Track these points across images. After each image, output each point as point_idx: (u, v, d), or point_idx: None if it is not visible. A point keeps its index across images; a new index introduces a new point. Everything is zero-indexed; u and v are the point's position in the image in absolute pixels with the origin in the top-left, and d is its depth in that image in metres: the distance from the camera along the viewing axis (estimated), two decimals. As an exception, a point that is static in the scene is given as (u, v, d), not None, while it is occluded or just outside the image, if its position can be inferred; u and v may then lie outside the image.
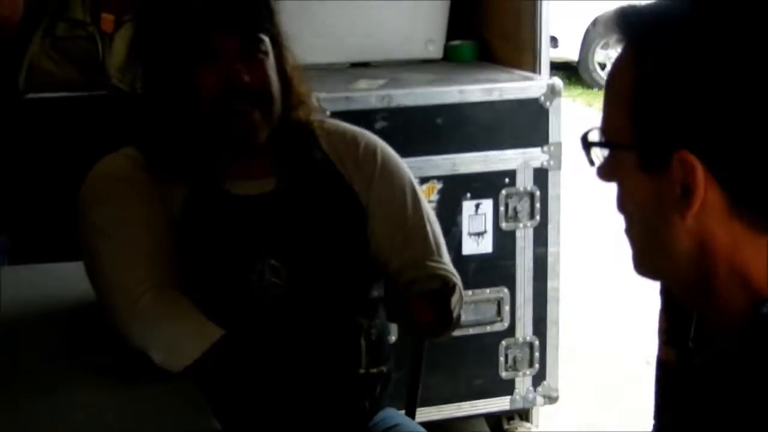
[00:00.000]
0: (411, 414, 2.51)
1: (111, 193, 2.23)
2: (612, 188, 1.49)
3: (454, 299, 2.25)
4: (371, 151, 2.38)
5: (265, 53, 2.22)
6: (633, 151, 1.38)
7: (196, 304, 2.15)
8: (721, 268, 1.37)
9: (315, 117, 2.38)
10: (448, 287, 2.25)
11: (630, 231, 1.47)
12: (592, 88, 11.51)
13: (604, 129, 1.43)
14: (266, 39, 2.23)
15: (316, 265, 2.26)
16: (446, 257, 2.40)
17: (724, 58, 1.30)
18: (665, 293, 2.91)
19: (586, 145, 1.46)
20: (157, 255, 2.17)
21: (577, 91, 11.37)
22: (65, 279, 2.53)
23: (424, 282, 2.28)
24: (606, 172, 1.46)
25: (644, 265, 1.48)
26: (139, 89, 3.41)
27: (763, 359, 1.33)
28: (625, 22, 1.41)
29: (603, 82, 11.60)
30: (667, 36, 1.35)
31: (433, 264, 2.35)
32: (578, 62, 11.61)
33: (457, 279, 2.36)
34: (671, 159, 1.34)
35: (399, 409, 2.49)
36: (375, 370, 2.34)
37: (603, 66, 12.03)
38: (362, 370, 2.31)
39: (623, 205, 1.45)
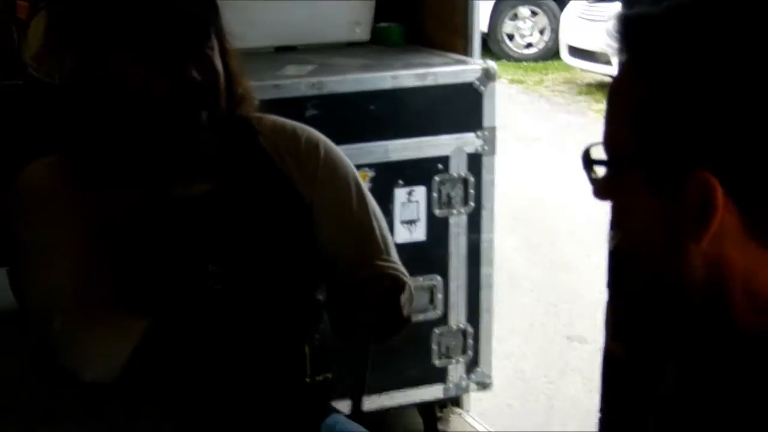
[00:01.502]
0: (357, 418, 2.44)
1: (34, 207, 2.13)
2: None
3: (404, 299, 2.17)
4: (313, 146, 2.29)
5: (212, 48, 2.10)
6: (642, 170, 1.30)
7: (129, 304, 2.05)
8: (737, 292, 1.30)
9: (255, 113, 2.27)
10: (398, 287, 2.16)
11: (633, 252, 1.40)
12: (500, 59, 11.50)
13: (608, 146, 1.35)
14: (212, 33, 2.11)
15: (257, 268, 2.17)
16: (394, 254, 2.32)
17: (745, 69, 1.22)
18: (613, 287, 2.89)
19: (588, 162, 1.38)
20: (77, 274, 2.05)
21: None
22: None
23: (372, 282, 2.18)
24: (606, 191, 1.39)
25: (650, 288, 1.41)
26: (56, 80, 3.35)
27: None
28: (627, 31, 1.32)
29: (512, 54, 11.72)
30: (676, 45, 1.26)
31: (382, 263, 2.27)
32: (487, 34, 11.59)
33: (407, 278, 2.28)
34: (686, 179, 1.26)
35: (338, 402, 2.43)
36: (320, 378, 2.26)
37: (511, 37, 12.05)
38: (308, 379, 2.23)
39: (623, 224, 1.38)
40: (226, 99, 2.14)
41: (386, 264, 2.29)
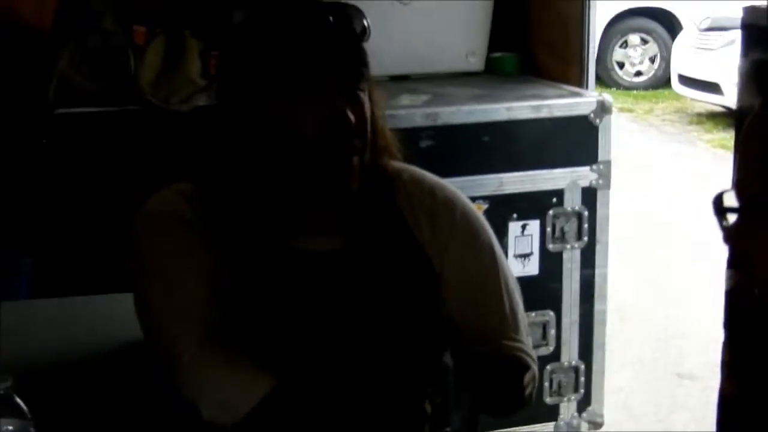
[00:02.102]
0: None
1: (166, 234, 2.09)
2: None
3: (527, 380, 2.11)
4: (450, 209, 2.17)
5: (363, 91, 2.03)
6: None
7: (251, 352, 2.03)
8: None
9: (396, 164, 2.18)
10: (521, 370, 2.07)
11: (758, 296, 1.36)
12: (610, 87, 11.39)
13: (741, 191, 1.31)
14: (365, 76, 2.04)
15: (380, 331, 2.12)
16: (524, 331, 2.17)
17: None
18: (730, 327, 2.82)
19: (720, 209, 1.34)
20: (209, 304, 2.02)
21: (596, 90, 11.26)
22: (98, 313, 2.43)
23: (495, 363, 2.09)
24: (741, 238, 1.34)
25: None
26: (172, 106, 3.37)
27: None
28: (763, 78, 1.29)
29: (621, 82, 11.61)
30: None
31: (508, 342, 2.14)
32: (597, 61, 11.49)
33: (532, 360, 2.15)
34: None
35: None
36: None
37: (621, 65, 11.93)
38: None
39: (761, 272, 1.33)
40: (370, 149, 2.07)
41: (512, 344, 2.15)
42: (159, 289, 2.06)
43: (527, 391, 2.07)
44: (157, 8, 3.51)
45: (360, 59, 2.03)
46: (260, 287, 2.06)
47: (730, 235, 1.36)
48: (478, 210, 3.32)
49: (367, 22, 2.03)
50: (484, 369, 2.04)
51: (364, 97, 2.02)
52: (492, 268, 2.18)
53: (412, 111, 3.33)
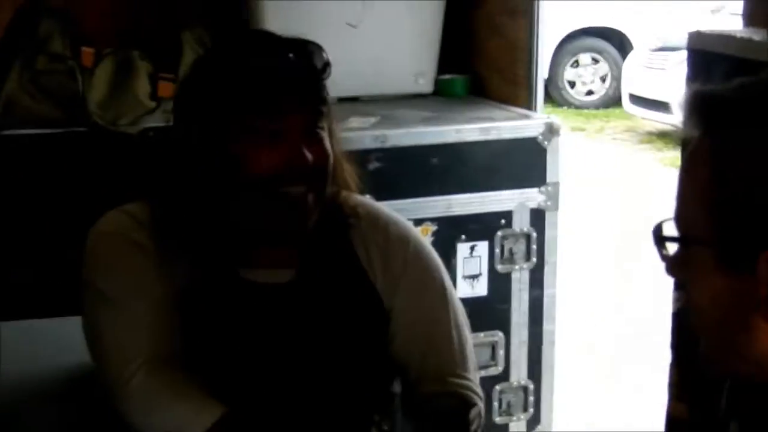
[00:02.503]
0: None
1: (116, 256, 2.08)
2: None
3: (472, 417, 2.11)
4: (403, 245, 2.19)
5: (324, 129, 2.03)
6: (713, 247, 1.29)
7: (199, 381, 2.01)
8: None
9: (352, 197, 2.19)
10: (466, 409, 2.09)
11: (701, 328, 1.38)
12: (561, 107, 11.47)
13: (680, 222, 1.33)
14: (326, 114, 2.04)
15: (326, 363, 2.11)
16: (471, 367, 2.20)
17: None
18: (677, 348, 2.84)
19: (659, 239, 1.36)
20: (157, 330, 2.01)
21: (547, 109, 11.33)
22: (41, 337, 2.41)
23: (441, 399, 2.11)
24: (679, 268, 1.36)
25: (715, 362, 1.39)
26: (120, 127, 3.36)
27: None
28: (701, 110, 1.31)
29: (573, 101, 11.66)
30: (750, 128, 1.26)
31: (455, 380, 2.16)
32: (548, 80, 11.55)
33: (479, 397, 2.18)
34: (757, 259, 1.25)
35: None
36: None
37: (572, 84, 12.01)
38: None
39: (695, 301, 1.36)
40: (329, 185, 2.08)
41: (459, 381, 2.18)
42: (108, 314, 2.05)
43: (473, 428, 2.09)
44: (105, 30, 3.50)
45: (320, 97, 2.02)
46: (209, 316, 2.06)
47: (670, 265, 1.38)
48: (426, 232, 3.36)
49: (328, 58, 2.03)
50: (430, 406, 2.06)
51: (324, 134, 2.03)
52: (442, 306, 2.20)
53: (361, 133, 3.32)
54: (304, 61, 2.01)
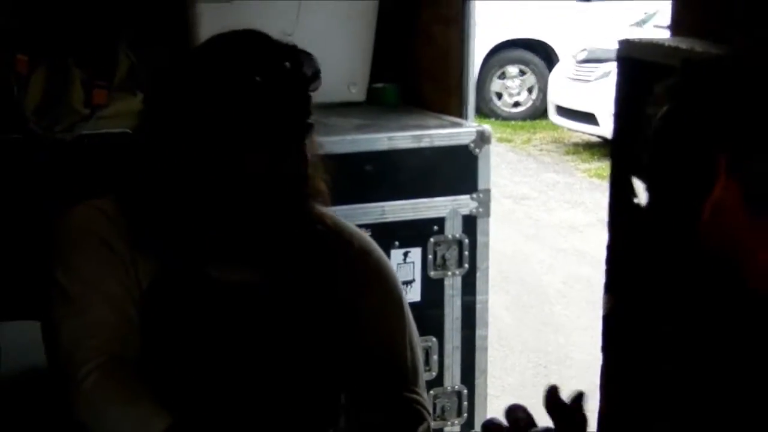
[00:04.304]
0: None
1: (80, 251, 2.07)
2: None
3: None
4: (365, 259, 2.25)
5: (305, 141, 2.10)
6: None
7: (153, 383, 2.03)
8: None
9: (320, 207, 2.23)
10: (418, 420, 2.16)
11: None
12: (488, 118, 11.55)
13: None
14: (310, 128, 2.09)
15: (285, 369, 2.13)
16: (422, 385, 2.28)
17: None
18: (606, 350, 2.89)
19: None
20: (115, 332, 2.03)
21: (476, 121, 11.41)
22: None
23: (392, 413, 2.17)
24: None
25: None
26: (56, 134, 3.35)
27: None
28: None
29: (500, 112, 11.74)
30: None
31: (408, 395, 2.22)
32: (476, 91, 11.63)
33: (428, 413, 2.24)
34: None
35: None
36: None
37: (499, 95, 12.10)
38: None
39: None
40: (303, 198, 2.13)
41: (412, 396, 2.24)
42: (66, 312, 2.05)
43: None
44: (40, 37, 3.49)
45: (308, 107, 2.08)
46: (169, 313, 2.08)
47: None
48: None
49: (318, 67, 2.08)
50: (382, 417, 2.12)
51: (307, 141, 2.08)
52: (400, 323, 2.27)
53: (295, 140, 3.35)
54: (297, 70, 2.04)
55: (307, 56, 2.07)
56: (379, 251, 2.29)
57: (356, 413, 2.07)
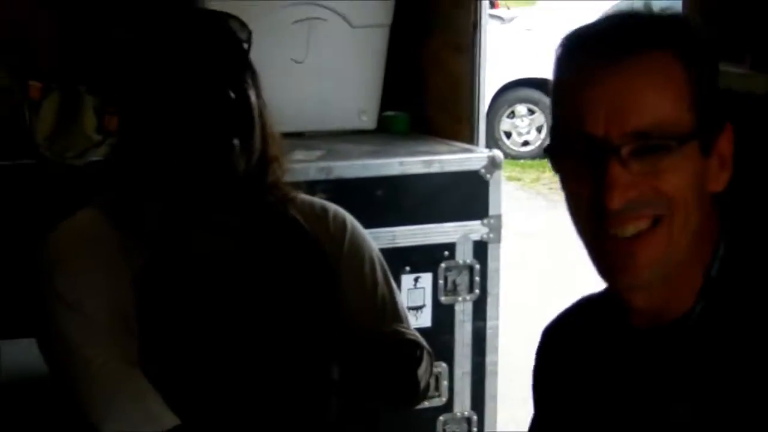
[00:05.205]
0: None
1: (76, 257, 2.15)
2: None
3: (422, 368, 2.20)
4: (340, 221, 2.38)
5: (248, 86, 2.20)
6: (697, 139, 1.49)
7: (152, 374, 2.08)
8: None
9: (289, 188, 2.35)
10: (416, 356, 2.19)
11: (663, 228, 1.51)
12: (498, 157, 11.55)
13: (664, 129, 1.47)
14: (249, 74, 2.22)
15: (280, 337, 2.18)
16: (408, 322, 2.43)
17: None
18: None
19: (649, 149, 1.48)
20: (119, 328, 2.08)
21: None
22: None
23: (394, 343, 2.25)
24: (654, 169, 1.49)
25: (675, 251, 1.52)
26: (67, 160, 3.38)
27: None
28: (663, 33, 1.51)
29: (509, 151, 11.76)
30: (703, 38, 1.53)
31: (404, 330, 2.35)
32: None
33: (423, 342, 2.34)
34: (721, 135, 1.52)
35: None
36: None
37: (509, 135, 12.12)
38: None
39: (672, 194, 1.49)
40: (260, 150, 2.21)
41: (408, 331, 2.36)
42: (67, 316, 2.10)
43: (423, 376, 2.21)
44: (52, 65, 3.53)
45: (244, 55, 2.21)
46: (159, 297, 2.14)
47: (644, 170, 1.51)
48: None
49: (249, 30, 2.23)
50: (384, 347, 2.18)
51: (249, 90, 2.18)
52: (383, 272, 2.42)
53: (306, 165, 3.37)
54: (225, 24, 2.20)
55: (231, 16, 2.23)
56: (350, 217, 2.44)
57: (357, 358, 2.12)
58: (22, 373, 2.40)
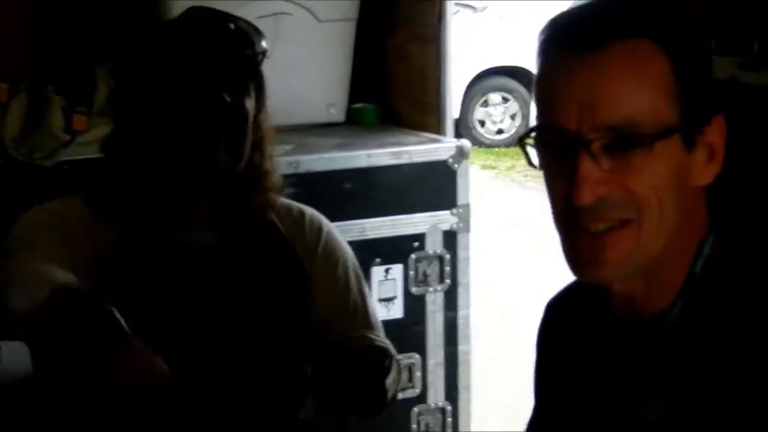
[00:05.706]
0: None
1: (41, 230, 2.16)
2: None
3: (390, 378, 2.19)
4: (316, 225, 2.41)
5: (247, 96, 2.26)
6: (680, 132, 1.45)
7: None
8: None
9: (274, 197, 2.39)
10: (384, 365, 2.18)
11: (638, 222, 1.48)
12: (472, 146, 11.55)
13: (638, 123, 1.43)
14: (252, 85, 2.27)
15: (248, 335, 2.20)
16: (380, 328, 2.41)
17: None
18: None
19: (621, 144, 1.44)
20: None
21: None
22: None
23: (363, 350, 2.26)
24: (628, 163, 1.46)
25: (647, 249, 1.49)
26: (35, 160, 3.37)
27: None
28: (640, 20, 1.47)
29: (483, 140, 11.76)
30: (688, 24, 1.49)
31: (373, 336, 2.35)
32: (458, 120, 11.67)
33: (392, 350, 2.35)
34: (708, 127, 1.47)
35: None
36: None
37: (482, 123, 12.14)
38: None
39: (648, 190, 1.46)
40: (250, 154, 2.26)
41: (377, 338, 2.36)
42: (24, 252, 2.09)
43: (391, 383, 2.20)
44: (19, 65, 3.52)
45: (248, 65, 2.26)
46: (138, 276, 2.16)
47: (623, 164, 1.49)
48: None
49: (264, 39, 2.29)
50: (352, 355, 2.20)
51: (246, 100, 2.24)
52: (356, 276, 2.42)
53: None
54: (239, 32, 2.25)
55: (255, 29, 2.29)
56: (327, 221, 2.48)
57: (326, 365, 2.14)
58: (22, 373, 2.40)
